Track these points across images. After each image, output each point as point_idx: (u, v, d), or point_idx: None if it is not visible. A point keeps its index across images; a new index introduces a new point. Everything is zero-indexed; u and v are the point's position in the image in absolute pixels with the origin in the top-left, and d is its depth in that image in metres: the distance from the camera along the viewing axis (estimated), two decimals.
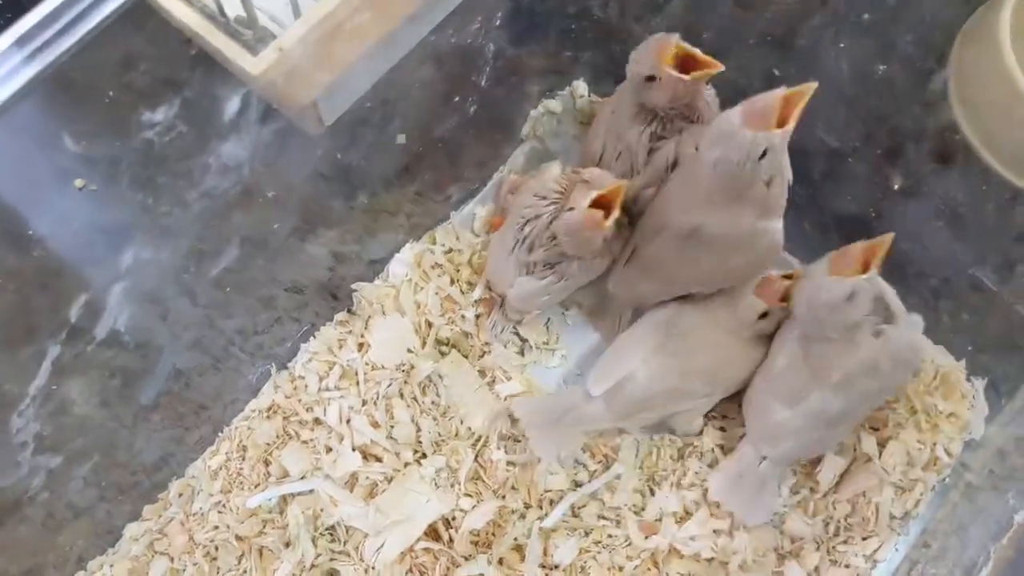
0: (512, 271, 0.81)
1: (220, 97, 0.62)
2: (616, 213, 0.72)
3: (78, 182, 0.64)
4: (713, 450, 0.83)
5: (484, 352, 0.87)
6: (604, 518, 0.81)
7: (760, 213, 0.69)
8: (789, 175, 0.69)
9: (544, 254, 0.78)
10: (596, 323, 0.89)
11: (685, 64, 0.71)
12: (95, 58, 0.54)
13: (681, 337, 0.78)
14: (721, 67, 0.69)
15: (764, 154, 0.64)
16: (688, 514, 0.81)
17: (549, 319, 0.89)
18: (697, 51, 0.70)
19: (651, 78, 0.72)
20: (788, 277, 0.74)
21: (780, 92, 0.62)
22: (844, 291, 0.67)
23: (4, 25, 0.53)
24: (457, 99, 0.86)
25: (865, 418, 0.81)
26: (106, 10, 0.54)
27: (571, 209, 0.74)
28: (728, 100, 0.75)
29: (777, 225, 0.71)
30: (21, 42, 0.53)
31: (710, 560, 0.79)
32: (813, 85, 0.61)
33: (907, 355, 0.74)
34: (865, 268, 0.67)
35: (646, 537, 0.80)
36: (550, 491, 0.81)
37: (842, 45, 0.77)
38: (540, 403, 0.83)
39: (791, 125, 0.62)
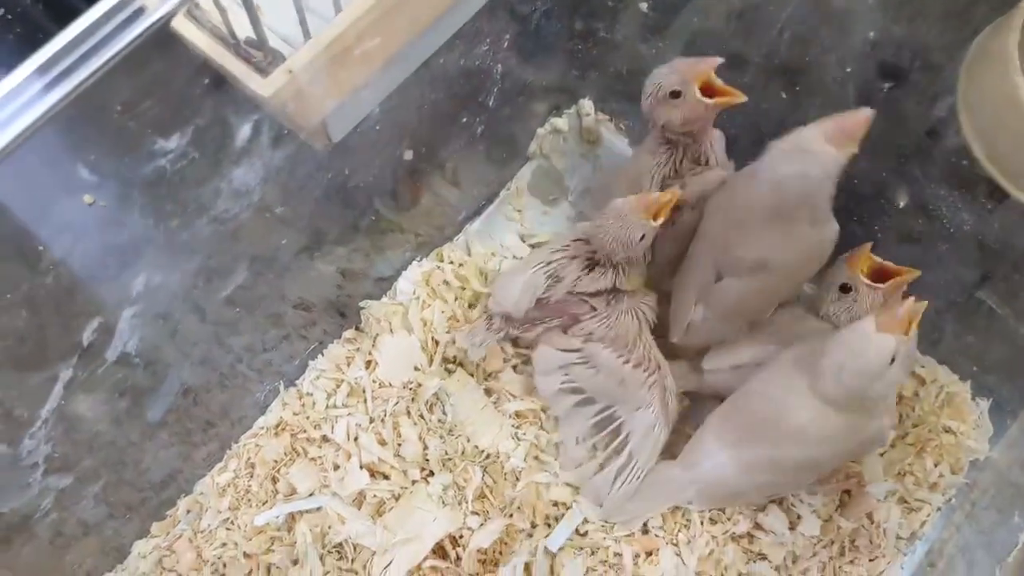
0: (518, 290, 0.81)
1: (232, 124, 0.62)
2: (662, 219, 0.73)
3: (87, 198, 0.64)
4: None
5: (490, 374, 0.88)
6: (609, 536, 0.81)
7: (811, 222, 0.70)
8: None
9: (561, 288, 0.79)
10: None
11: (708, 92, 0.71)
12: (108, 85, 0.54)
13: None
14: (744, 98, 0.69)
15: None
16: (686, 526, 0.81)
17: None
18: (720, 82, 0.71)
19: (676, 94, 0.72)
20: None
21: (866, 113, 0.63)
22: (889, 351, 0.63)
23: (24, 54, 0.53)
24: (465, 119, 0.86)
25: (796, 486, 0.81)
26: (125, 40, 0.54)
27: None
28: (732, 121, 0.76)
29: (832, 225, 0.71)
30: (41, 71, 0.53)
31: None
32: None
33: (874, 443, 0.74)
34: (906, 329, 0.63)
35: (648, 554, 0.80)
36: (557, 504, 0.82)
37: (849, 70, 0.78)
38: None
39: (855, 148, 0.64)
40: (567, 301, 0.80)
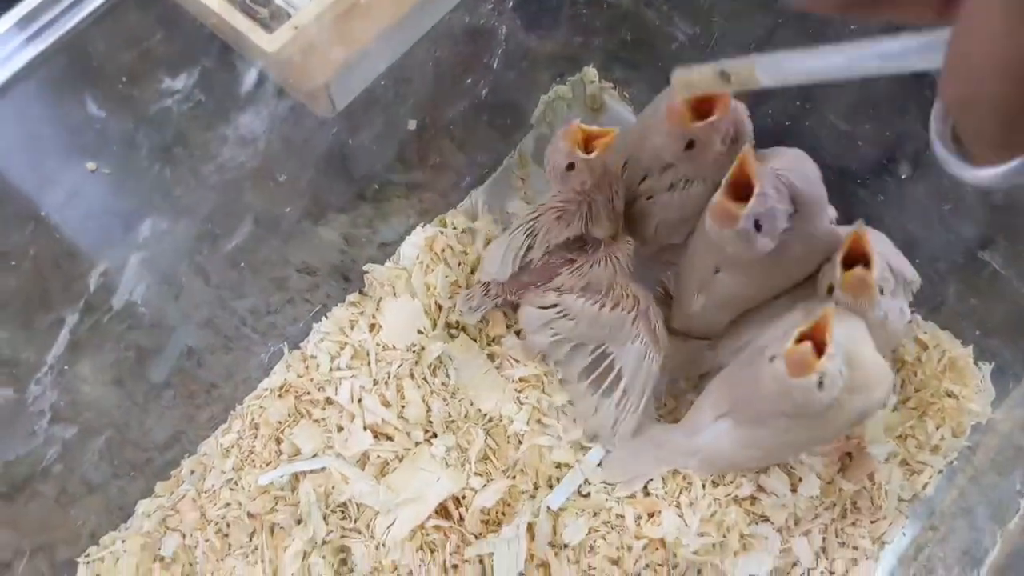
0: (499, 254, 0.81)
1: (238, 69, 0.63)
2: (595, 153, 0.73)
3: (90, 165, 0.64)
4: None
5: (492, 339, 0.88)
6: (611, 497, 0.81)
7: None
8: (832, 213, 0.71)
9: (539, 250, 0.79)
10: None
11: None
12: (111, 31, 0.54)
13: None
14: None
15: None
16: (687, 488, 0.81)
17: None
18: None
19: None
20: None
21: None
22: (811, 386, 0.63)
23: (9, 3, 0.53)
24: (469, 81, 0.86)
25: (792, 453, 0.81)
26: None
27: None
28: None
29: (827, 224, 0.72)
30: (25, 21, 0.54)
31: (714, 545, 0.79)
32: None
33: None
34: (820, 351, 0.62)
35: (650, 515, 0.80)
36: (560, 466, 0.82)
37: (852, 27, 0.78)
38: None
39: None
40: (553, 263, 0.80)
